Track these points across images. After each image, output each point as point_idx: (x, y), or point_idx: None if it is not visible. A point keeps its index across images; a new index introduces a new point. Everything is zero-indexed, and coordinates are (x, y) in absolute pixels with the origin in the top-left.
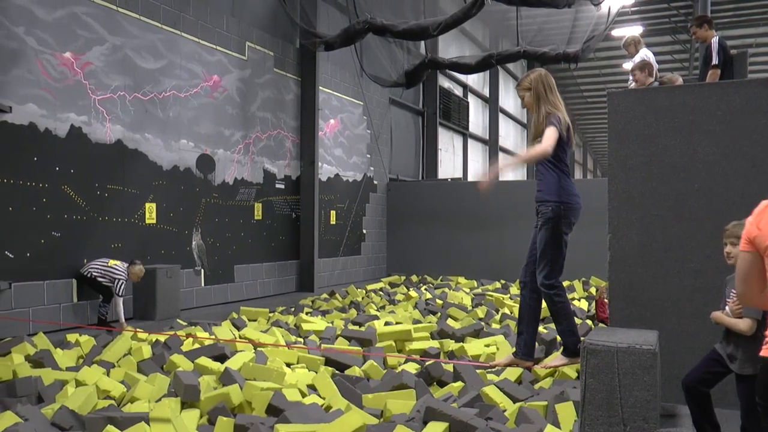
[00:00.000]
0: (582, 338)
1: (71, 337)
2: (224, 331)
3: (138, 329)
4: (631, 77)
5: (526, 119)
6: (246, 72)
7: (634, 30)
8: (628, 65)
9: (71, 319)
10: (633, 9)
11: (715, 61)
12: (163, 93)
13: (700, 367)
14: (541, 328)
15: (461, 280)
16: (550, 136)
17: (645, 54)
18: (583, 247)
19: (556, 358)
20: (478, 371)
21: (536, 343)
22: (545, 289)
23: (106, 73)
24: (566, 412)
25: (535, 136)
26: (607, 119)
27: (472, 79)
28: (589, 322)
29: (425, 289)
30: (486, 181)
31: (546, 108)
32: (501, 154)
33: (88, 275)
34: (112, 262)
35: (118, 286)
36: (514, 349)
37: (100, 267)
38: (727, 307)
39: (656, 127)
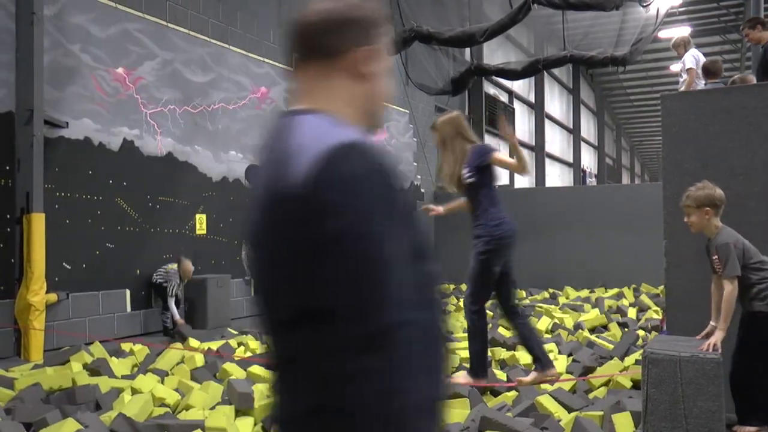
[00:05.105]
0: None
1: (125, 346)
2: None
3: (190, 338)
4: (680, 78)
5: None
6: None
7: (683, 31)
8: (676, 67)
9: (125, 328)
10: (681, 9)
11: None
12: (212, 105)
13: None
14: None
15: None
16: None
17: (694, 54)
18: (633, 254)
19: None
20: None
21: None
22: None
23: (157, 87)
24: (623, 422)
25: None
26: (659, 122)
27: (518, 85)
28: (641, 332)
29: None
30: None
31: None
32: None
33: (155, 281)
34: (170, 266)
35: (170, 288)
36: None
37: (162, 272)
38: None
39: (712, 129)
